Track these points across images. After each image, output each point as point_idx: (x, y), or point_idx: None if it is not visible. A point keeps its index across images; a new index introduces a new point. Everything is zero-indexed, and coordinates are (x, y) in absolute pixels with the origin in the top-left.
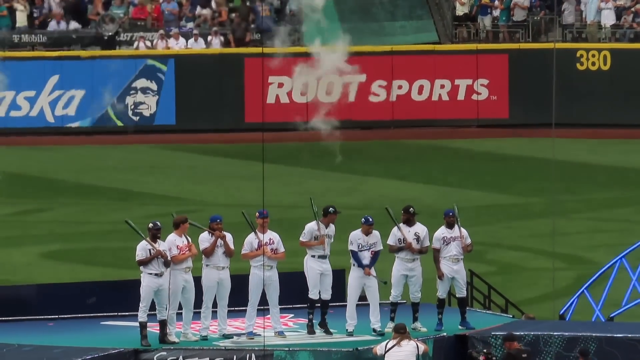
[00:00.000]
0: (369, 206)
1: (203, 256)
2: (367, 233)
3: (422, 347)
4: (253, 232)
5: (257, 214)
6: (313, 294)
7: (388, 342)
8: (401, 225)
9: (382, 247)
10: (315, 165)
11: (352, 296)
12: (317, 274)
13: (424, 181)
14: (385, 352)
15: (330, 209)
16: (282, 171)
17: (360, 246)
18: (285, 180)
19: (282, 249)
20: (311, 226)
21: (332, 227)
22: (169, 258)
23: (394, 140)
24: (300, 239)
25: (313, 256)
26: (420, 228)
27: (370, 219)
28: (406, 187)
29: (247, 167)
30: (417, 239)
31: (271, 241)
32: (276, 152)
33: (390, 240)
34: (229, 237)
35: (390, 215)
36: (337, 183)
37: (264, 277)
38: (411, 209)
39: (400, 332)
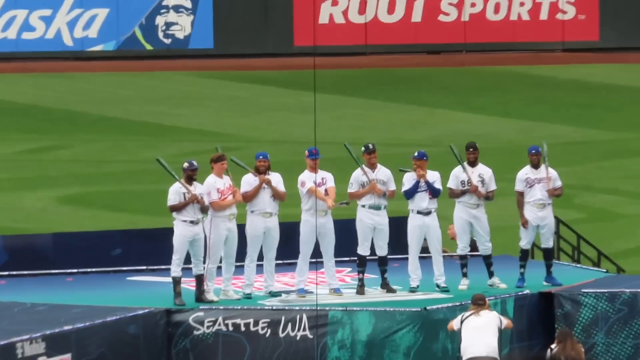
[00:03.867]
0: (438, 142)
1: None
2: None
3: (505, 321)
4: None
5: (306, 152)
6: (362, 249)
7: (464, 314)
8: (465, 165)
9: (441, 188)
10: (376, 95)
11: (413, 247)
12: (368, 227)
13: (501, 114)
14: (462, 322)
15: (365, 147)
16: (337, 102)
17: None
18: (340, 112)
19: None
20: (356, 174)
21: (383, 170)
22: (206, 203)
23: (466, 67)
24: (348, 190)
25: (363, 206)
26: (484, 169)
27: (424, 155)
28: (480, 121)
29: (296, 97)
30: (482, 181)
31: (324, 181)
32: (330, 80)
33: (452, 183)
34: (277, 178)
35: (454, 153)
36: (400, 116)
37: (316, 225)
38: (472, 147)
39: (479, 304)
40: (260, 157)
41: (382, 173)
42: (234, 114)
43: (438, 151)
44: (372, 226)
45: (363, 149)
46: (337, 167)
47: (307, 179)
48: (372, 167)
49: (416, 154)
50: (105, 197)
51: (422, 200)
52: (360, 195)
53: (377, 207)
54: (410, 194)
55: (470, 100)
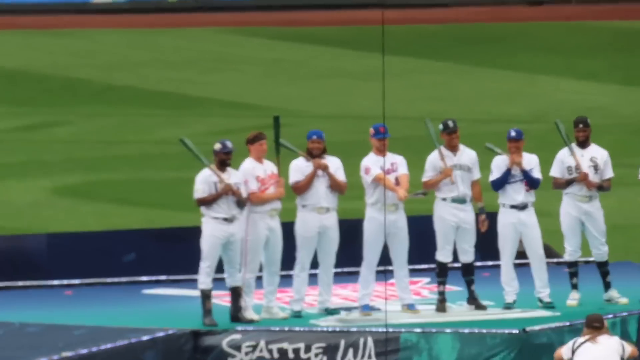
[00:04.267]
0: (539, 118)
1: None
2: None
3: (628, 347)
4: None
5: (371, 130)
6: (443, 254)
7: (577, 340)
8: (573, 147)
9: (540, 177)
10: (460, 57)
11: (507, 251)
12: (449, 226)
13: (620, 82)
14: (574, 351)
15: (443, 124)
16: (411, 67)
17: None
18: (415, 80)
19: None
20: (431, 158)
21: (467, 152)
22: (244, 195)
23: (575, 22)
24: (422, 178)
25: (444, 199)
26: (598, 152)
27: (521, 134)
28: (593, 91)
29: (358, 60)
30: (594, 167)
31: (394, 166)
32: (402, 39)
33: (555, 170)
34: (335, 163)
35: (559, 132)
36: (492, 84)
37: (385, 223)
38: (582, 123)
39: (595, 327)
40: (314, 136)
41: (466, 156)
42: (280, 82)
43: (539, 129)
44: (455, 225)
45: (441, 126)
46: (412, 149)
47: (372, 164)
48: (453, 149)
49: (512, 133)
50: (113, 187)
51: (517, 192)
52: (434, 183)
53: (461, 200)
54: (500, 184)
55: (580, 65)
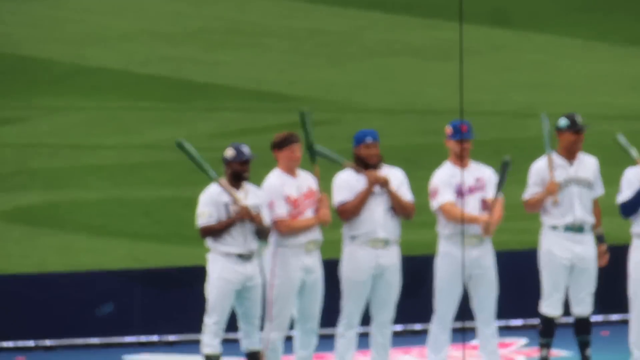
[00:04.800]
0: None
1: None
2: None
3: None
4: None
5: (447, 130)
6: (550, 305)
7: None
8: None
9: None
10: (571, 28)
11: (637, 303)
12: (561, 266)
13: None
14: None
15: (569, 119)
16: (501, 41)
17: None
18: (508, 59)
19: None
20: (538, 167)
21: (586, 161)
22: (267, 222)
23: None
24: (523, 195)
25: (554, 228)
26: None
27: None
28: None
29: (426, 32)
30: None
31: (480, 183)
32: (488, 4)
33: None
34: (398, 176)
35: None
36: (616, 66)
37: (463, 262)
38: None
39: None
40: (368, 138)
41: (586, 166)
42: (317, 62)
43: None
44: (568, 263)
45: (564, 122)
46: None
47: (444, 181)
48: (572, 156)
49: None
50: (83, 210)
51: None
52: (536, 203)
53: (578, 228)
54: (633, 207)
55: None
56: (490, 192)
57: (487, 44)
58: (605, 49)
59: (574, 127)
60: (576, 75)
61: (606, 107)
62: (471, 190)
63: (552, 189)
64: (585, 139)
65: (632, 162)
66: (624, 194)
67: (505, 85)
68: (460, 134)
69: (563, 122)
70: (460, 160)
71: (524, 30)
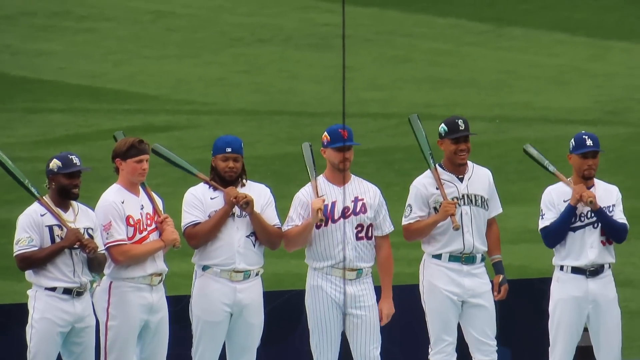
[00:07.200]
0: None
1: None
2: None
3: None
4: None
5: (326, 136)
6: (439, 355)
7: None
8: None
9: (625, 221)
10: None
11: (560, 344)
12: (448, 303)
13: None
14: None
15: (448, 125)
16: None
17: None
18: (405, 48)
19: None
20: (418, 185)
21: (479, 173)
22: (101, 249)
23: None
24: (403, 220)
25: (436, 257)
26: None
27: (596, 142)
28: None
29: (304, 13)
30: None
31: (358, 202)
32: None
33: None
34: (262, 194)
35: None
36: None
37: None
38: None
39: None
40: (227, 148)
41: (479, 180)
42: (164, 52)
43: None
44: (457, 300)
45: (442, 129)
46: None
47: (295, 205)
48: (459, 169)
49: (587, 140)
50: None
51: (585, 245)
52: (423, 228)
53: (469, 258)
54: (558, 234)
55: None
56: (370, 218)
57: (376, 30)
58: (522, 34)
59: (452, 134)
60: (486, 68)
61: (523, 107)
62: (346, 213)
63: (449, 209)
64: (490, 148)
65: (551, 178)
66: (547, 218)
67: (398, 81)
68: (340, 140)
69: (442, 128)
70: (339, 173)
71: (423, 13)
